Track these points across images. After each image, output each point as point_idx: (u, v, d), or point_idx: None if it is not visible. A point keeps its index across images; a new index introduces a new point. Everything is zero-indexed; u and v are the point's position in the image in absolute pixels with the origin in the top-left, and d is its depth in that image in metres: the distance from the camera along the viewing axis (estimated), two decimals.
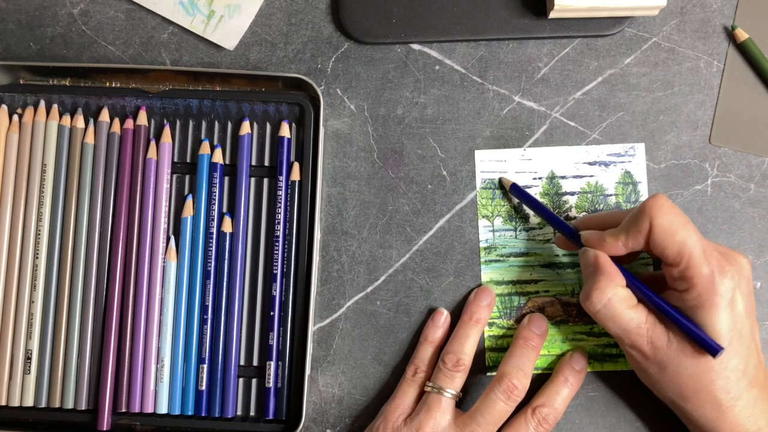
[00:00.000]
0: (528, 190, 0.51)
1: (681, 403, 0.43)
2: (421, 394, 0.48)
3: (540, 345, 0.48)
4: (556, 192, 0.51)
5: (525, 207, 0.50)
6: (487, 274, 0.51)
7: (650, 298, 0.43)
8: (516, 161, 0.51)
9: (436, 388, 0.46)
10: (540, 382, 0.48)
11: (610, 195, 0.51)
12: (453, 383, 0.46)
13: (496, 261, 0.51)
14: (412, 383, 0.48)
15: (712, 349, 0.40)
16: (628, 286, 0.43)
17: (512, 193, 0.50)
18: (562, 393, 0.47)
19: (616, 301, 0.43)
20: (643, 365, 0.44)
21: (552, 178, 0.51)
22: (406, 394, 0.48)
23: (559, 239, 0.49)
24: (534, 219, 0.51)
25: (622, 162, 0.51)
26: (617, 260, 0.44)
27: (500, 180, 0.51)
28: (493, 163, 0.51)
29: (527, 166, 0.51)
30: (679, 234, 0.41)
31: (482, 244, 0.51)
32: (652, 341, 0.42)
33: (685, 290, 0.42)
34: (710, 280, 0.41)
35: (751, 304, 0.42)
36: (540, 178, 0.51)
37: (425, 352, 0.49)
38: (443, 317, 0.50)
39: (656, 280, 0.46)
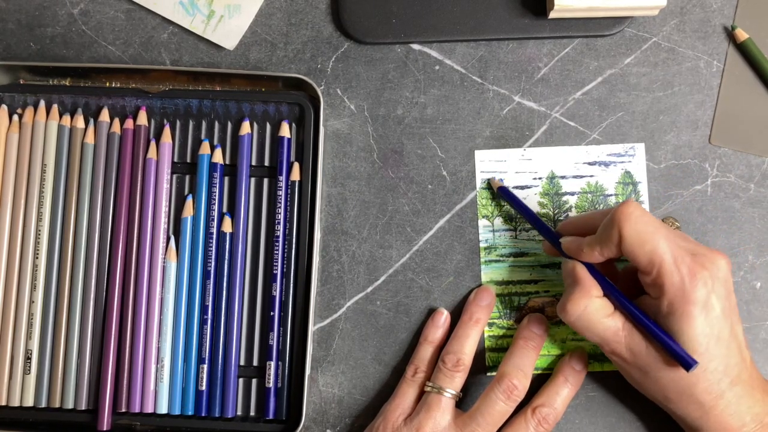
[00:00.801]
0: (528, 190, 0.51)
1: (667, 404, 0.44)
2: (421, 394, 0.48)
3: (540, 345, 0.48)
4: (556, 192, 0.51)
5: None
6: (487, 274, 0.51)
7: (626, 307, 0.43)
8: (516, 161, 0.51)
9: (436, 388, 0.46)
10: (540, 382, 0.48)
11: (610, 195, 0.51)
12: (453, 383, 0.46)
13: (496, 261, 0.51)
14: (412, 383, 0.48)
15: (685, 363, 0.40)
16: (605, 295, 0.44)
17: (500, 194, 0.50)
18: (562, 393, 0.47)
19: (591, 311, 0.43)
20: (626, 369, 0.44)
21: (552, 178, 0.51)
22: (406, 394, 0.48)
23: (545, 245, 0.49)
24: None
25: (622, 162, 0.51)
26: (599, 265, 0.44)
27: (488, 181, 0.51)
28: (493, 163, 0.51)
29: (527, 166, 0.51)
30: (648, 243, 0.41)
31: (482, 244, 0.51)
32: (631, 348, 0.43)
33: (657, 297, 0.42)
34: (681, 288, 0.41)
35: (731, 303, 0.42)
36: (540, 178, 0.51)
37: (425, 352, 0.49)
38: (443, 317, 0.50)
39: (634, 275, 0.46)
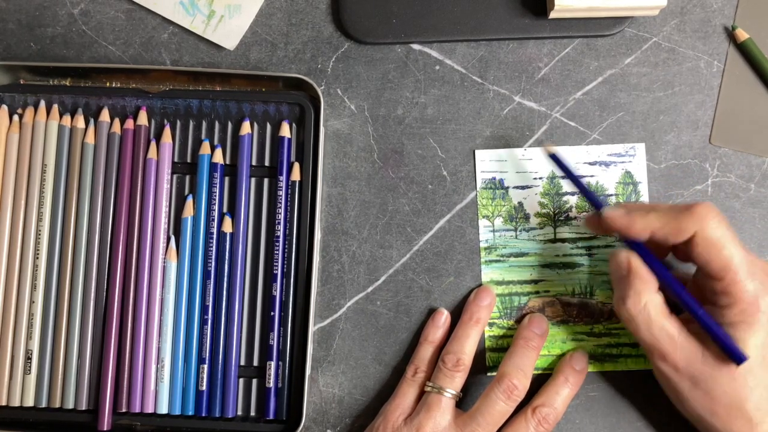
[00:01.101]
0: (528, 190, 0.51)
1: (710, 419, 0.42)
2: (421, 394, 0.48)
3: (540, 345, 0.48)
4: (556, 192, 0.51)
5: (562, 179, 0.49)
6: (487, 274, 0.51)
7: (680, 294, 0.42)
8: (516, 161, 0.51)
9: (436, 388, 0.46)
10: (540, 382, 0.48)
11: (611, 195, 0.51)
12: (453, 383, 0.46)
13: (496, 261, 0.51)
14: (412, 383, 0.48)
15: (736, 356, 0.40)
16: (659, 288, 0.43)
17: (550, 160, 0.48)
18: (562, 393, 0.47)
19: (652, 308, 0.42)
20: (673, 380, 0.43)
21: (552, 178, 0.51)
22: (406, 394, 0.48)
23: (588, 220, 0.46)
24: (534, 219, 0.51)
25: (623, 162, 0.51)
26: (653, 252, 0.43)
27: (544, 148, 0.49)
28: (493, 163, 0.51)
29: (528, 165, 0.51)
30: (726, 249, 0.40)
31: (482, 245, 0.51)
32: (686, 355, 0.42)
33: (726, 306, 0.41)
34: (755, 297, 0.40)
35: None
36: (541, 178, 0.51)
37: (425, 352, 0.49)
38: (443, 317, 0.50)
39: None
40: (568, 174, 0.47)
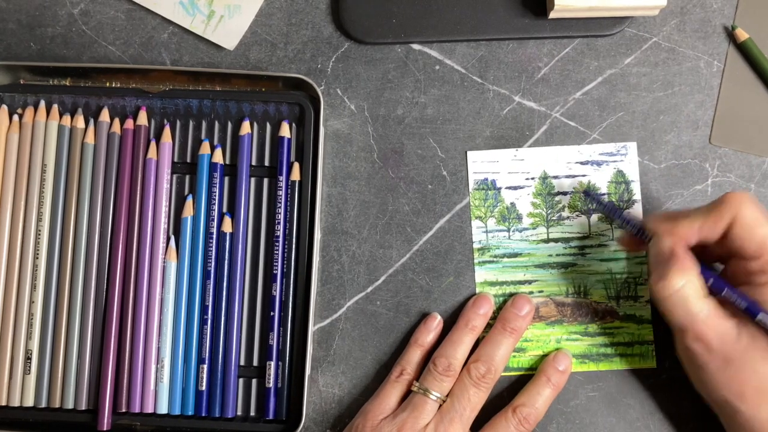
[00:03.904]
0: (520, 191, 0.51)
1: (737, 403, 0.42)
2: (404, 396, 0.48)
3: (520, 328, 0.48)
4: (548, 192, 0.51)
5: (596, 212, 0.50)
6: (480, 275, 0.51)
7: (725, 287, 0.42)
8: (509, 162, 0.51)
9: (422, 390, 0.46)
10: (524, 382, 0.49)
11: (603, 194, 0.51)
12: (441, 387, 0.46)
13: (489, 262, 0.51)
14: (396, 384, 0.48)
15: None
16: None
17: (585, 197, 0.50)
18: (544, 393, 0.47)
19: (689, 288, 0.42)
20: (703, 359, 0.42)
21: (544, 178, 0.51)
22: (389, 395, 0.47)
23: (624, 239, 0.48)
24: (527, 219, 0.51)
25: (615, 161, 0.51)
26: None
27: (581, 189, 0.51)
28: (485, 164, 0.51)
29: (520, 166, 0.51)
30: (762, 227, 0.41)
31: (475, 245, 0.51)
32: (721, 334, 0.42)
33: (765, 283, 0.42)
34: None
35: None
36: (533, 179, 0.51)
37: (413, 355, 0.49)
38: (436, 322, 0.50)
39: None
40: (606, 208, 0.49)
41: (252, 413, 0.49)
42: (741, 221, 0.41)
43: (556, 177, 0.51)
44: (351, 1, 0.52)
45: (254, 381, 0.49)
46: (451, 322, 0.50)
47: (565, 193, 0.51)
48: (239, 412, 0.49)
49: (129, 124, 0.50)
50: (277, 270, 0.49)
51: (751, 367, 0.41)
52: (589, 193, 0.50)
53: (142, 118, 0.50)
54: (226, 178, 0.50)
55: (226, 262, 0.49)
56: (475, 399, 0.46)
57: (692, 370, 0.44)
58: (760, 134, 0.51)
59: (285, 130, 0.50)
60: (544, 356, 0.49)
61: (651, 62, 0.52)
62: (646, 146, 0.51)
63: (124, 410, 0.48)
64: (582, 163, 0.51)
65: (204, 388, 0.48)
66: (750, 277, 0.43)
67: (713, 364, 0.42)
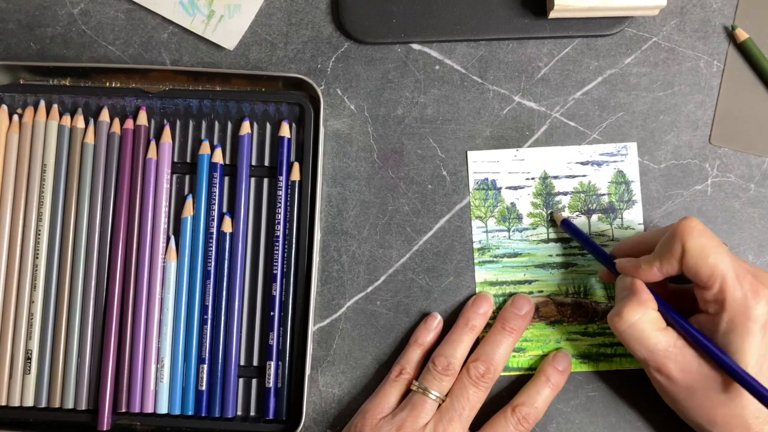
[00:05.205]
0: (520, 191, 0.51)
1: (709, 428, 0.42)
2: (403, 396, 0.48)
3: (519, 327, 0.48)
4: (548, 192, 0.51)
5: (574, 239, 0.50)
6: (480, 274, 0.51)
7: (682, 325, 0.42)
8: (509, 162, 0.51)
9: (422, 389, 0.46)
10: (523, 381, 0.49)
11: (603, 195, 0.51)
12: (440, 386, 0.46)
13: (489, 262, 0.51)
14: (395, 384, 0.48)
15: (749, 385, 0.39)
16: (659, 311, 0.43)
17: (562, 227, 0.50)
18: (543, 393, 0.47)
19: (645, 322, 0.42)
20: (669, 389, 0.43)
21: (545, 178, 0.51)
22: (389, 394, 0.47)
23: (603, 272, 0.49)
24: (527, 219, 0.51)
25: (615, 161, 0.51)
26: (651, 287, 0.44)
27: (551, 213, 0.51)
28: (486, 164, 0.51)
29: (520, 166, 0.51)
30: (711, 257, 0.41)
31: (476, 245, 0.51)
32: (682, 366, 0.42)
33: (716, 313, 0.41)
34: (743, 304, 0.40)
35: None
36: (533, 179, 0.51)
37: (413, 355, 0.49)
38: (436, 321, 0.50)
39: (684, 295, 0.46)
40: (580, 238, 0.49)
41: (252, 413, 0.49)
42: (689, 252, 0.41)
43: (556, 177, 0.51)
44: (351, 1, 0.52)
45: (254, 381, 0.49)
46: (451, 322, 0.50)
47: (565, 193, 0.51)
48: (239, 412, 0.49)
49: (129, 124, 0.50)
50: (277, 270, 0.49)
51: (715, 397, 0.41)
52: (569, 224, 0.50)
53: (142, 118, 0.50)
54: (226, 178, 0.50)
55: (226, 262, 0.49)
56: (475, 398, 0.46)
57: (663, 396, 0.45)
58: (760, 134, 0.51)
59: (285, 130, 0.50)
60: (544, 356, 0.49)
61: (651, 62, 0.52)
62: (646, 146, 0.51)
63: (124, 410, 0.48)
64: (582, 163, 0.51)
65: (204, 388, 0.48)
66: (706, 306, 0.42)
67: (679, 393, 0.43)
